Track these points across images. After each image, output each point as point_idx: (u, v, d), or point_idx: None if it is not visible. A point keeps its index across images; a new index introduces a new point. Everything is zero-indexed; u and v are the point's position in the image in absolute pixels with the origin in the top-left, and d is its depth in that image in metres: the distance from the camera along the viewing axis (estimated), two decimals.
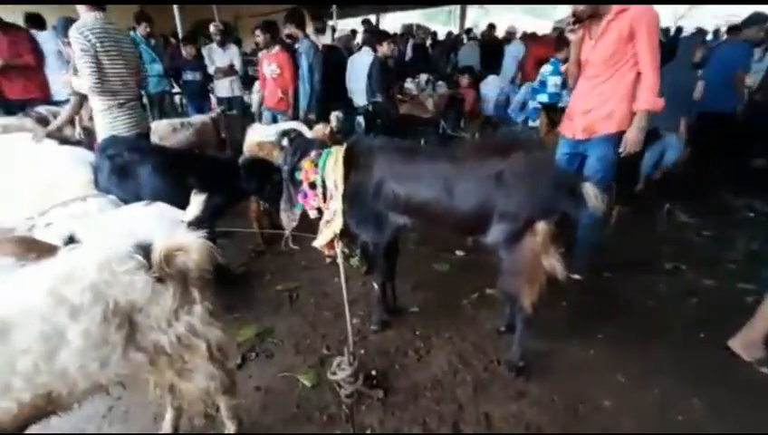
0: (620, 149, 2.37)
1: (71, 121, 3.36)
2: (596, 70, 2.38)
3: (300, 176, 2.12)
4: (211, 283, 1.45)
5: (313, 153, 2.09)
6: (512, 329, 2.24)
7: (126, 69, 2.88)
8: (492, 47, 7.58)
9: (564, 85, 4.01)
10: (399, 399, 1.93)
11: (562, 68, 2.82)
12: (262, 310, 2.58)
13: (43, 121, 3.44)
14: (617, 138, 2.36)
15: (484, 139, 3.72)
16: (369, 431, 1.78)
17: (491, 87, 5.78)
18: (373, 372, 2.03)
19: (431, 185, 1.92)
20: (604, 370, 2.09)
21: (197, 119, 4.39)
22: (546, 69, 4.28)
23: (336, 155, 2.01)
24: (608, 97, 2.36)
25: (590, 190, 1.70)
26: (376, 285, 2.34)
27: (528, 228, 1.79)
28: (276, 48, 4.19)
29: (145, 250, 1.29)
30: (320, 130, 3.55)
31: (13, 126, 3.35)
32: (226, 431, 1.71)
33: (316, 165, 2.06)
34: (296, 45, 4.21)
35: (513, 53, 6.67)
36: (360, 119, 3.97)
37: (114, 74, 2.81)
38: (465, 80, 5.79)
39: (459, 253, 3.20)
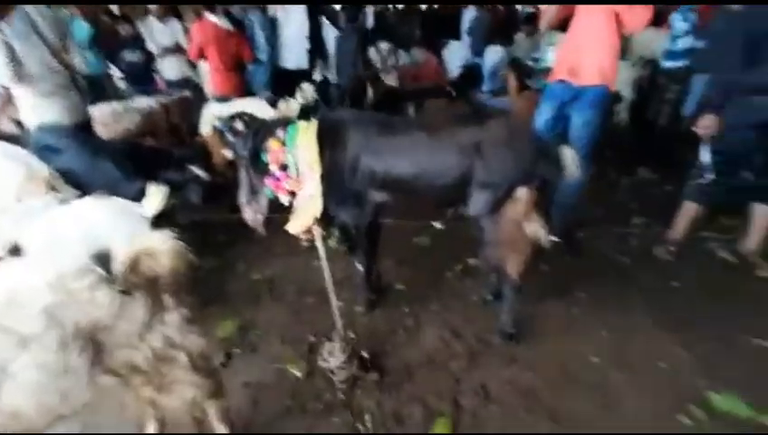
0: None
1: None
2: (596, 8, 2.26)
3: (266, 158, 1.96)
4: (185, 284, 1.31)
5: (279, 131, 1.93)
6: (498, 297, 2.25)
7: (50, 52, 2.52)
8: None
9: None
10: (395, 379, 1.90)
11: (542, 7, 2.66)
12: (240, 302, 2.45)
13: None
14: (603, 93, 2.34)
15: (458, 107, 3.60)
16: (367, 416, 1.74)
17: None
18: (365, 355, 1.97)
19: (409, 157, 1.83)
20: (589, 327, 2.15)
21: (144, 102, 3.98)
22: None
23: (307, 131, 1.86)
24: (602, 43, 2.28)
25: (567, 154, 1.69)
26: (360, 266, 2.27)
27: (509, 196, 1.76)
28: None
29: (103, 260, 1.13)
30: (284, 108, 3.35)
31: None
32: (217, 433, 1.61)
33: (284, 143, 1.90)
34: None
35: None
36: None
37: (33, 60, 2.44)
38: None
39: (437, 225, 3.18)
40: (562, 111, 2.49)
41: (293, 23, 4.52)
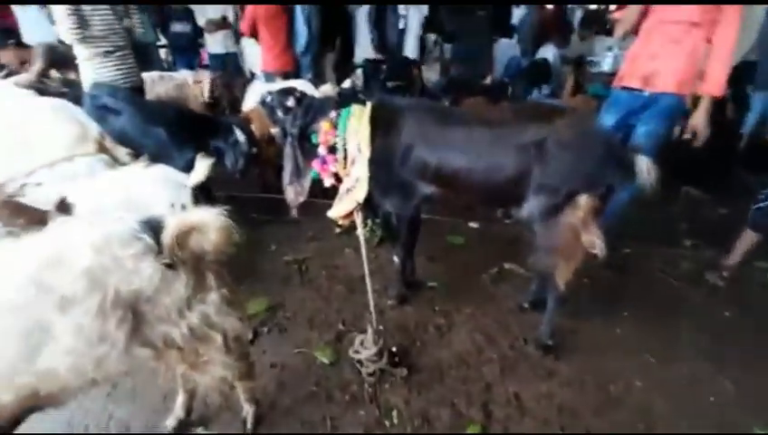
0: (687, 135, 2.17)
1: (44, 74, 3.01)
2: (678, 14, 2.09)
3: (315, 139, 1.92)
4: (228, 264, 1.27)
5: (332, 113, 1.88)
6: (536, 306, 2.16)
7: (113, 12, 2.56)
8: None
9: None
10: (424, 377, 1.84)
11: (616, 14, 2.49)
12: (270, 282, 2.43)
13: None
14: (676, 104, 2.17)
15: (525, 103, 3.38)
16: (394, 411, 1.69)
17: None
18: (394, 349, 1.92)
19: (465, 151, 1.74)
20: (632, 349, 2.02)
21: (182, 75, 4.00)
22: None
23: (360, 115, 1.80)
24: (682, 51, 2.10)
25: (643, 164, 1.56)
26: (396, 259, 2.21)
27: (569, 202, 1.66)
28: None
29: (154, 229, 1.08)
30: (327, 89, 3.29)
31: None
32: (243, 414, 1.59)
33: (336, 126, 1.85)
34: None
35: None
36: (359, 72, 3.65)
37: (98, 19, 2.50)
38: None
39: (473, 224, 3.08)
40: (627, 119, 2.33)
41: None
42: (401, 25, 4.56)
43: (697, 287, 2.50)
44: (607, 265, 2.54)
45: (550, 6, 6.31)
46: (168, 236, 1.06)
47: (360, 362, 1.79)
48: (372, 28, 4.13)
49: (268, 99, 2.05)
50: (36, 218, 1.49)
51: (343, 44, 4.70)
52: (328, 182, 1.96)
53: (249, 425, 1.58)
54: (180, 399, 1.57)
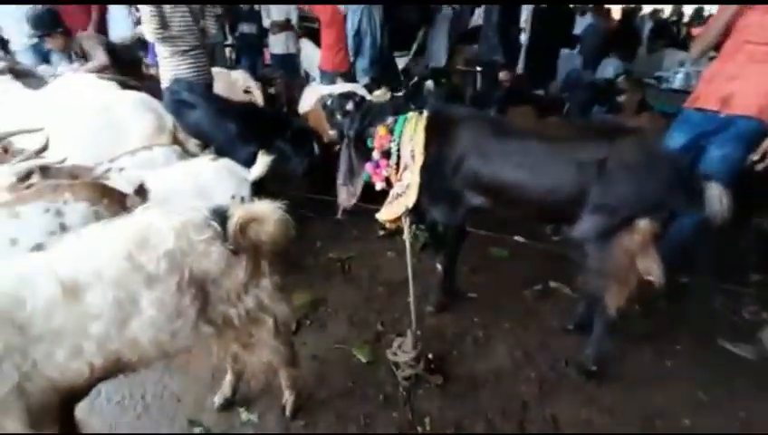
0: (755, 157, 2.03)
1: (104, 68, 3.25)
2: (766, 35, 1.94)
3: (371, 143, 1.98)
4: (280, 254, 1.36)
5: (389, 119, 1.93)
6: (581, 328, 2.09)
7: (190, 14, 2.77)
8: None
9: None
10: (459, 388, 1.84)
11: (695, 31, 2.35)
12: (314, 277, 2.53)
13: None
14: (755, 129, 2.03)
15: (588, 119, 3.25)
16: (427, 418, 1.71)
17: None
18: (431, 356, 1.93)
19: (519, 165, 1.73)
20: (683, 384, 1.91)
21: (238, 74, 4.13)
22: None
23: (416, 122, 1.84)
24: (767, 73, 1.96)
25: (715, 191, 1.47)
26: (439, 266, 2.22)
27: (628, 225, 1.60)
28: None
29: (221, 217, 1.20)
30: (380, 94, 3.36)
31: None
32: (284, 400, 1.68)
33: (392, 132, 1.90)
34: None
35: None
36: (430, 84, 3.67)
37: (177, 20, 2.71)
38: None
39: (518, 238, 3.02)
40: (698, 141, 2.19)
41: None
42: None
43: (761, 326, 2.31)
44: (663, 294, 2.42)
45: (616, 15, 6.03)
46: (233, 225, 1.17)
47: (396, 364, 1.83)
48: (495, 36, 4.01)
49: (329, 102, 2.14)
50: (118, 200, 1.65)
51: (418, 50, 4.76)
52: (379, 186, 2.02)
53: (288, 412, 1.66)
54: (228, 378, 1.68)
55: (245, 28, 5.18)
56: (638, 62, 4.72)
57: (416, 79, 3.73)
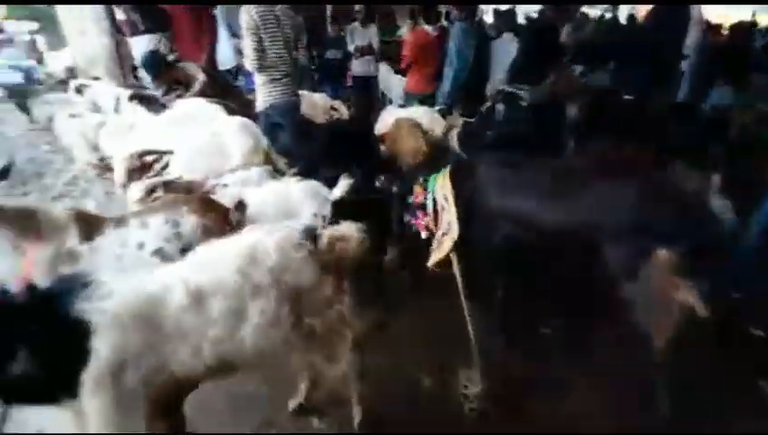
0: None
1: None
2: None
3: (411, 199, 2.22)
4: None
5: (421, 179, 2.20)
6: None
7: (285, 46, 3.05)
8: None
9: None
10: (527, 428, 1.77)
11: None
12: (383, 298, 2.58)
13: None
14: None
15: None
16: None
17: None
18: (497, 392, 1.89)
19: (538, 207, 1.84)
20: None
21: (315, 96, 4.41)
22: None
23: (443, 175, 2.10)
24: None
25: (716, 203, 1.49)
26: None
27: (647, 257, 1.55)
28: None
29: (311, 235, 1.33)
30: (454, 120, 3.40)
31: None
32: (353, 414, 1.74)
33: (425, 188, 2.15)
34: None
35: None
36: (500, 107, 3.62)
37: (273, 51, 2.99)
38: None
39: None
40: None
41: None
42: None
43: None
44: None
45: (726, 31, 5.30)
46: (323, 244, 1.30)
47: (464, 395, 1.82)
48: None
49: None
50: (222, 214, 1.87)
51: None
52: (424, 234, 2.20)
53: (356, 425, 1.72)
54: (304, 385, 1.79)
55: (331, 54, 5.57)
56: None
57: (488, 103, 3.70)
